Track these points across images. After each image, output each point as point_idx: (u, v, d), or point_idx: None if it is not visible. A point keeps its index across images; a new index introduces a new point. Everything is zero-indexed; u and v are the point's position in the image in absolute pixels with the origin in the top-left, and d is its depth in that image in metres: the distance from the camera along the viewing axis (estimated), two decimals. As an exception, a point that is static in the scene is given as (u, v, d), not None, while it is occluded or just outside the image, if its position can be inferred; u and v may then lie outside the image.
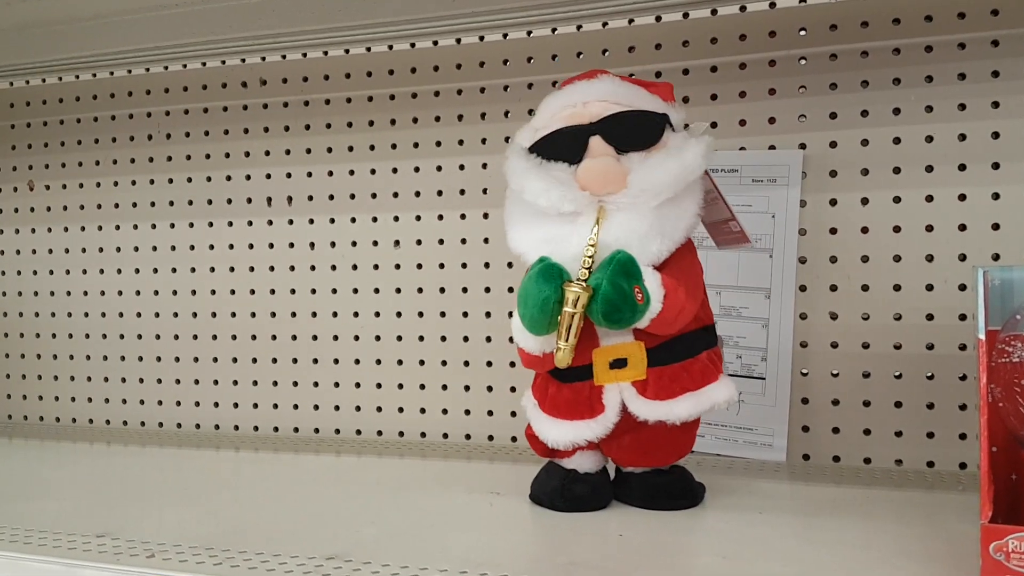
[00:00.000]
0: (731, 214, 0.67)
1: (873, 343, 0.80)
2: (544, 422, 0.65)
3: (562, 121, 0.63)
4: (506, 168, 0.65)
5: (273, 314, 1.02)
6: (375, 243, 0.97)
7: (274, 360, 1.02)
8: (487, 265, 0.93)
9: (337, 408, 1.00)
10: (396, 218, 0.96)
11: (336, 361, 0.99)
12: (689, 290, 0.62)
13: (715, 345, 0.66)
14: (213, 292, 1.04)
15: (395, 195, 0.96)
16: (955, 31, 0.77)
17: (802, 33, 0.81)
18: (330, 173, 0.99)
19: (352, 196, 0.98)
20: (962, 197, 0.78)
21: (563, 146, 0.62)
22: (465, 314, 0.94)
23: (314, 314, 1.00)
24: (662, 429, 0.63)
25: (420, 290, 0.96)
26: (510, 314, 0.90)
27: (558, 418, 0.65)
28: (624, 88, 0.64)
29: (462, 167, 0.94)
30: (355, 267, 0.98)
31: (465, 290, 0.94)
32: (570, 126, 0.63)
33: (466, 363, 0.94)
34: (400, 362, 0.97)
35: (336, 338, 0.99)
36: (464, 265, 0.94)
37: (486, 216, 0.93)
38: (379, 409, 0.98)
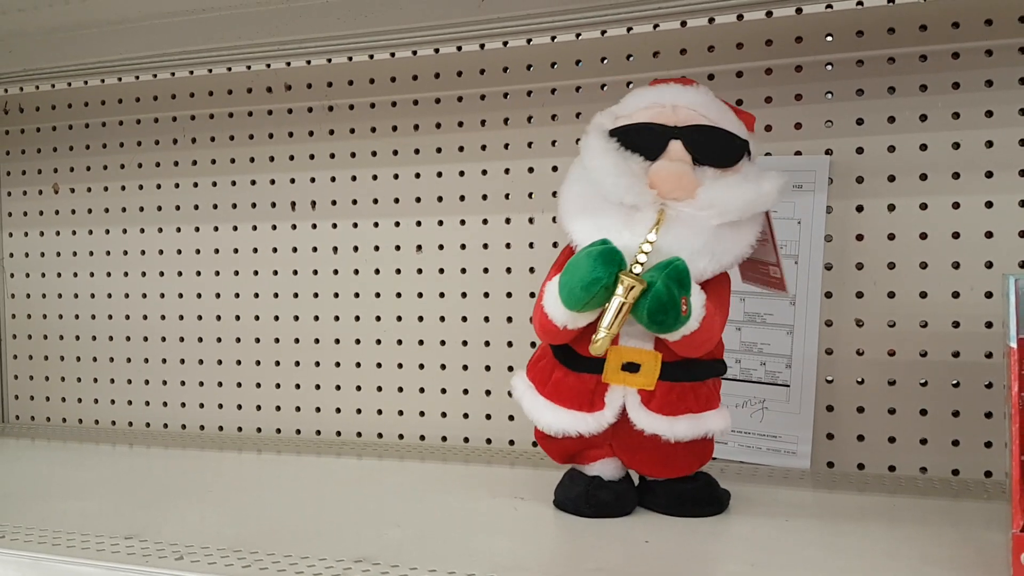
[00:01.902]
0: (776, 260, 0.66)
1: (899, 350, 0.80)
2: (540, 406, 0.65)
3: (647, 116, 0.63)
4: (582, 144, 0.64)
5: (296, 317, 1.02)
6: (397, 248, 0.98)
7: (296, 363, 1.02)
8: (508, 270, 0.93)
9: (359, 411, 1.00)
10: (418, 223, 0.97)
11: (358, 365, 1.00)
12: (722, 321, 0.63)
13: (721, 375, 0.66)
14: (237, 296, 1.05)
15: (417, 200, 0.97)
16: (982, 38, 0.77)
17: (829, 39, 0.81)
18: (353, 178, 0.99)
19: (375, 201, 0.98)
20: (989, 204, 0.77)
21: (644, 140, 0.62)
22: (486, 319, 0.94)
23: (336, 318, 1.00)
24: (674, 444, 0.63)
25: (442, 295, 0.96)
26: (531, 319, 0.92)
27: (556, 404, 0.64)
28: (715, 104, 0.64)
29: (484, 172, 0.94)
30: (377, 271, 0.98)
31: (487, 295, 0.94)
32: (656, 123, 0.62)
33: (487, 367, 0.94)
34: (422, 366, 0.97)
35: (358, 342, 1.00)
36: (486, 270, 0.94)
37: (508, 221, 0.93)
38: (400, 412, 0.98)
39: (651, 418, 0.62)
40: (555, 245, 0.90)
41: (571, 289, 0.59)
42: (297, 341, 1.02)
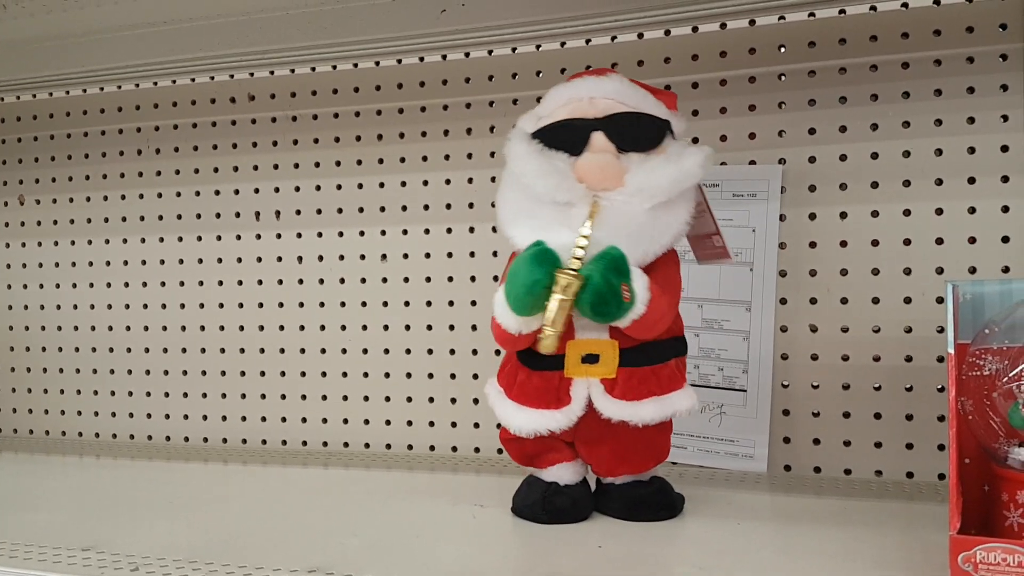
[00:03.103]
0: (716, 228, 0.68)
1: (852, 355, 0.81)
2: (510, 409, 0.66)
3: (567, 113, 0.64)
4: (506, 150, 0.65)
5: (261, 327, 1.02)
6: (362, 257, 0.98)
7: (262, 373, 1.03)
8: (473, 279, 0.94)
9: (325, 421, 1.00)
10: (383, 232, 0.97)
11: (324, 374, 1.00)
12: (670, 300, 0.64)
13: (683, 354, 0.67)
14: (202, 306, 1.05)
15: (382, 209, 0.97)
16: (931, 48, 0.79)
17: (782, 50, 0.83)
18: (318, 187, 1.00)
19: (339, 210, 0.99)
20: (939, 211, 0.79)
21: (566, 137, 0.63)
22: (451, 327, 0.95)
23: (302, 327, 1.01)
24: (635, 434, 0.64)
25: (407, 303, 0.97)
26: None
27: (524, 405, 0.65)
28: (632, 90, 0.65)
29: (448, 181, 0.95)
30: (342, 280, 0.99)
31: (451, 303, 0.95)
32: (575, 118, 0.63)
33: (452, 376, 0.95)
34: (387, 375, 0.98)
35: (323, 351, 1.00)
36: (450, 279, 0.95)
37: (472, 230, 0.94)
38: (366, 422, 0.99)
39: (616, 405, 0.63)
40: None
41: (516, 295, 0.60)
42: (262, 351, 1.02)
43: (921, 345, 0.79)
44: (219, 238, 1.04)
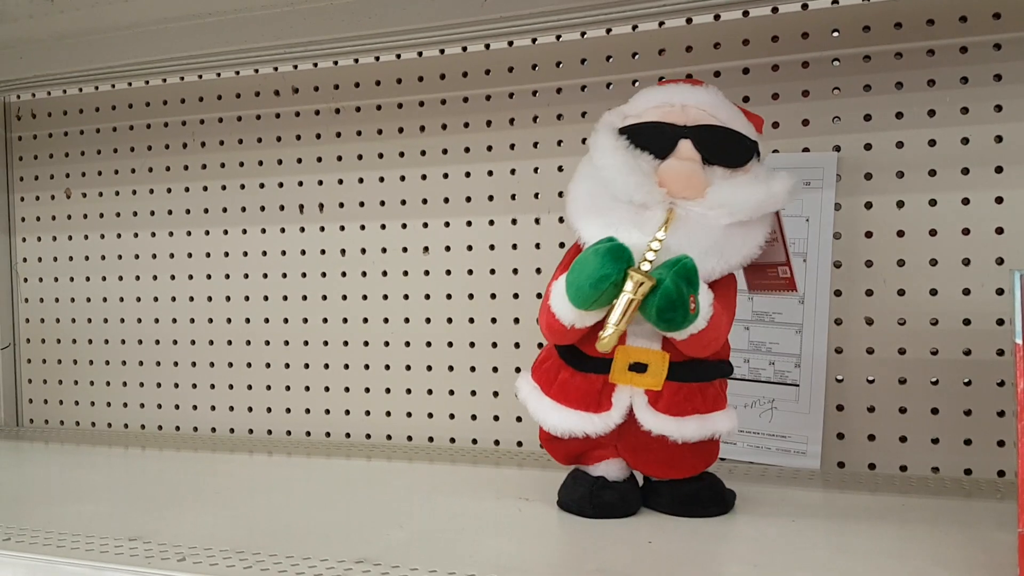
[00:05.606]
0: (787, 259, 0.66)
1: (909, 348, 0.79)
2: (546, 406, 0.65)
3: (657, 116, 0.63)
4: (591, 142, 0.64)
5: (305, 320, 1.02)
6: (405, 249, 0.98)
7: (306, 365, 1.03)
8: (515, 271, 0.93)
9: (368, 413, 1.00)
10: (425, 224, 0.97)
11: (367, 367, 1.00)
12: (729, 321, 0.62)
13: (728, 376, 0.66)
14: (247, 298, 1.05)
15: (424, 201, 0.97)
16: (990, 32, 0.76)
17: (835, 34, 0.81)
18: (360, 180, 0.99)
19: (382, 203, 0.98)
20: (999, 200, 0.76)
21: (654, 138, 0.62)
22: (494, 320, 0.94)
23: (345, 320, 1.01)
24: (680, 445, 0.62)
25: (449, 296, 0.96)
26: (537, 320, 0.91)
27: (563, 404, 0.64)
28: (725, 105, 0.64)
29: (491, 173, 0.94)
30: (385, 273, 0.99)
31: (494, 296, 0.94)
32: (666, 122, 0.62)
33: (495, 369, 0.94)
34: (429, 368, 0.97)
35: (367, 344, 1.00)
36: (492, 271, 0.94)
37: (515, 222, 0.93)
38: (408, 414, 0.98)
39: (658, 419, 0.62)
40: (562, 245, 0.90)
41: (579, 287, 0.58)
42: (306, 344, 1.02)
43: (980, 338, 0.77)
44: (263, 231, 1.04)
